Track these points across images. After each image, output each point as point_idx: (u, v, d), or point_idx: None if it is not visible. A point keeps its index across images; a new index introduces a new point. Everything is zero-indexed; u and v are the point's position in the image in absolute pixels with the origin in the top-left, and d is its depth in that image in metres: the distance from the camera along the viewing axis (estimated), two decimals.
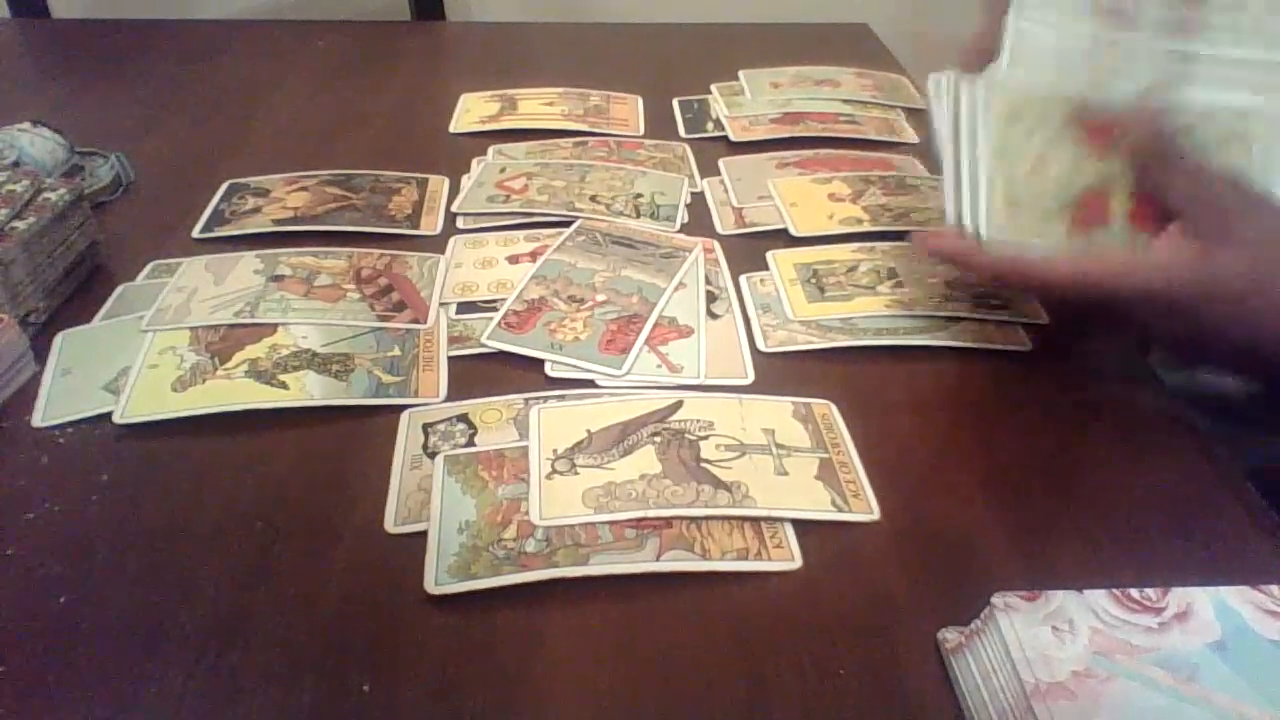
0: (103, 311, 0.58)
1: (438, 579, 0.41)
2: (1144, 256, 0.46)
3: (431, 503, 0.44)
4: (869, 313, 0.58)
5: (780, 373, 0.54)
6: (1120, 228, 0.48)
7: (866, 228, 0.67)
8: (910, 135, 0.83)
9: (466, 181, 0.73)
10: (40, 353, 0.54)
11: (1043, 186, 0.49)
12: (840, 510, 0.45)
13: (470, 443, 0.48)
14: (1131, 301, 0.46)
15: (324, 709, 0.36)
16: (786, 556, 0.43)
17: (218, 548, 0.43)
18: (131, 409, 0.49)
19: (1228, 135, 0.48)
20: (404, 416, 0.50)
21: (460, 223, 0.69)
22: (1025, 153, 0.49)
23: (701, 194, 0.73)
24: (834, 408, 0.51)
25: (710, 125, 0.85)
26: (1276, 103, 0.47)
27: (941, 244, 0.52)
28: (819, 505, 0.45)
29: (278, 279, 0.60)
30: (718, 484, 0.45)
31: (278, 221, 0.67)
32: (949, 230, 0.51)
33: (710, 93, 0.91)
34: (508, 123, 0.84)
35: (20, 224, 0.56)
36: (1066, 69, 0.50)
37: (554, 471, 0.46)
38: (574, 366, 0.53)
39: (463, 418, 0.50)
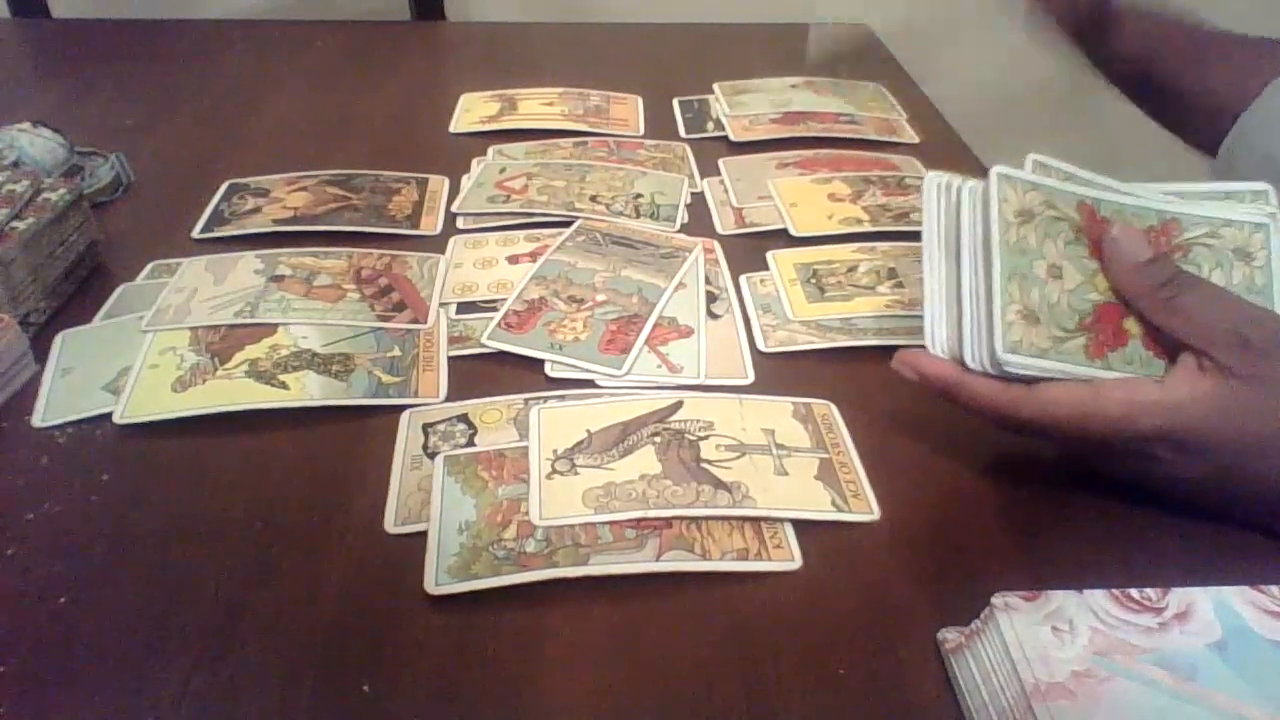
0: (103, 311, 0.58)
1: (438, 579, 0.41)
2: (1157, 394, 0.41)
3: (431, 503, 0.44)
4: (869, 313, 0.58)
5: (780, 373, 0.54)
6: (1137, 350, 0.44)
7: (866, 228, 0.67)
8: (910, 135, 0.84)
9: (466, 181, 0.73)
10: (40, 353, 0.54)
11: (1058, 299, 0.43)
12: (840, 510, 0.45)
13: (470, 443, 0.48)
14: (1143, 444, 0.42)
15: (324, 709, 0.36)
16: (786, 556, 0.43)
17: (218, 548, 0.43)
18: (131, 409, 0.49)
19: (1238, 250, 0.45)
20: (404, 416, 0.50)
21: (460, 223, 0.69)
22: (1040, 259, 0.43)
23: (701, 194, 0.73)
24: (834, 408, 0.51)
25: (710, 125, 0.85)
26: None
27: (930, 370, 0.45)
28: (819, 505, 0.45)
29: (278, 279, 0.60)
30: (718, 484, 0.45)
31: (278, 221, 0.67)
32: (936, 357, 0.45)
33: (712, 92, 0.91)
34: (508, 123, 0.84)
35: (20, 224, 0.56)
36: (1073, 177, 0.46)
37: (554, 471, 0.46)
38: (574, 366, 0.53)
39: (463, 418, 0.50)
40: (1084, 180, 0.46)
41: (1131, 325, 0.44)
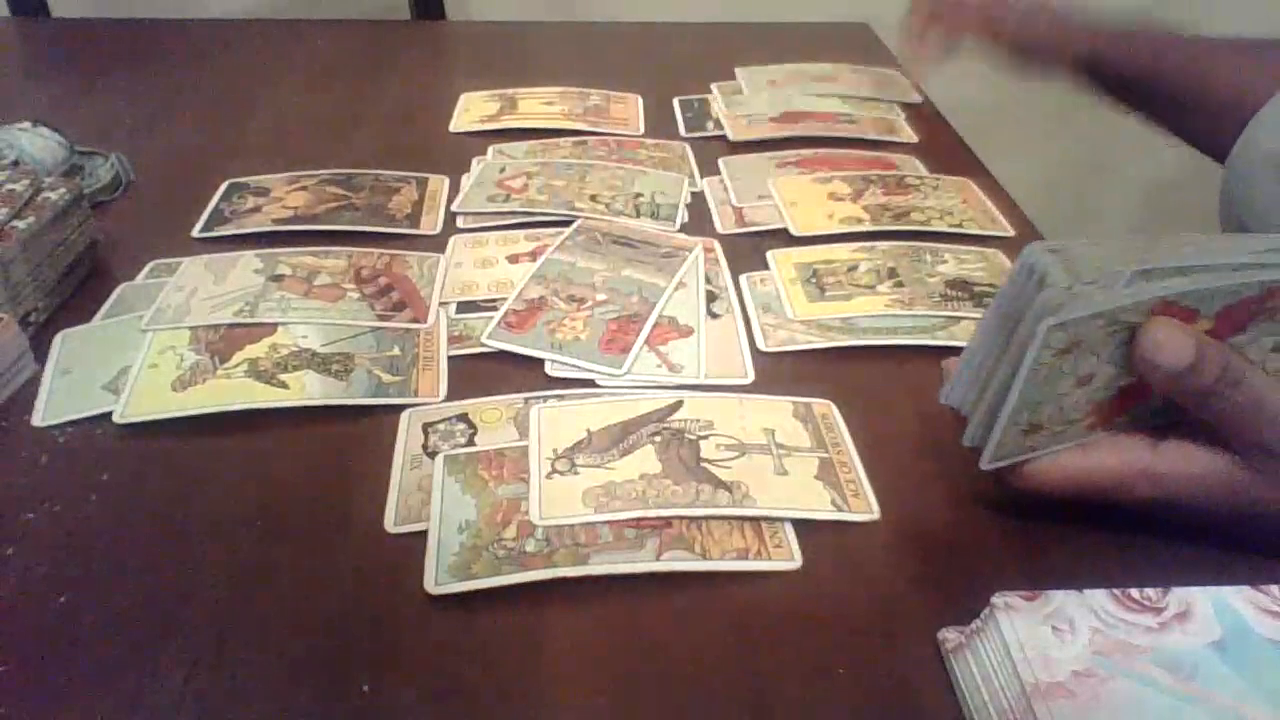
0: (103, 311, 0.58)
1: (438, 579, 0.41)
2: (1172, 461, 0.40)
3: (431, 502, 0.44)
4: (869, 313, 0.58)
5: (780, 372, 0.54)
6: (1155, 403, 0.42)
7: (866, 227, 0.67)
8: (909, 134, 0.84)
9: (466, 181, 0.73)
10: (40, 352, 0.54)
11: (1080, 399, 0.41)
12: (840, 510, 0.45)
13: (470, 442, 0.48)
14: (1155, 501, 0.41)
15: (324, 709, 0.36)
16: (786, 556, 0.43)
17: (218, 548, 0.43)
18: (131, 409, 0.49)
19: None
20: (404, 416, 0.50)
21: (460, 222, 0.69)
22: (1071, 377, 0.40)
23: (701, 193, 0.73)
24: (834, 408, 0.51)
25: (710, 125, 0.85)
26: None
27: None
28: (819, 505, 0.45)
29: (278, 278, 0.60)
30: (718, 484, 0.45)
31: (278, 221, 0.67)
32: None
33: (710, 92, 0.91)
34: (508, 122, 0.84)
35: (20, 224, 0.56)
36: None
37: (554, 471, 0.46)
38: (574, 366, 0.53)
39: (463, 417, 0.50)
40: (1166, 273, 0.39)
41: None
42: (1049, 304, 0.38)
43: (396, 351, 0.54)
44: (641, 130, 0.84)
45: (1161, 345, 0.38)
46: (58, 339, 0.55)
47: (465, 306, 0.59)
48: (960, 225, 0.68)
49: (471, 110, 0.87)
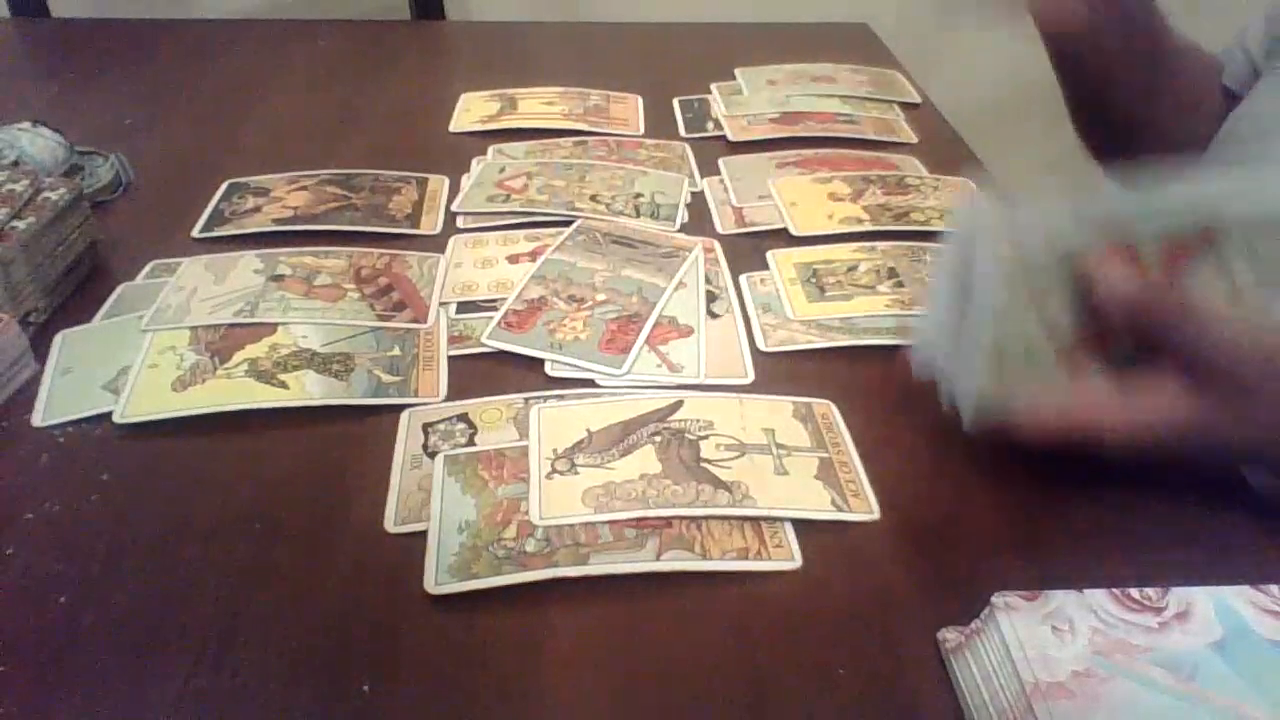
0: (103, 311, 0.58)
1: (438, 579, 0.41)
2: (1143, 405, 0.43)
3: (431, 502, 0.44)
4: (869, 313, 0.58)
5: (780, 372, 0.54)
6: (1125, 346, 0.44)
7: (866, 227, 0.67)
8: (909, 134, 0.83)
9: (466, 181, 0.73)
10: (40, 352, 0.54)
11: (1046, 341, 0.44)
12: (840, 510, 0.45)
13: (470, 442, 0.48)
14: (1119, 446, 0.43)
15: (324, 709, 0.36)
16: (786, 556, 0.43)
17: (218, 548, 0.43)
18: (131, 409, 0.49)
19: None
20: (404, 416, 0.50)
21: (460, 222, 0.69)
22: (1031, 312, 0.43)
23: (701, 194, 0.73)
24: (834, 408, 0.51)
25: (710, 125, 0.85)
26: None
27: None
28: (819, 505, 0.45)
29: (278, 278, 0.60)
30: (718, 484, 0.45)
31: (278, 221, 0.67)
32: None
33: (710, 92, 0.91)
34: (508, 122, 0.84)
35: (20, 224, 0.56)
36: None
37: (554, 471, 0.46)
38: (574, 366, 0.53)
39: (463, 417, 0.50)
40: (1107, 211, 0.44)
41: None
42: (997, 229, 0.42)
43: (396, 351, 0.54)
44: (641, 130, 0.84)
45: (1111, 281, 0.42)
46: (58, 339, 0.55)
47: (465, 306, 0.59)
48: None
49: (471, 110, 0.87)
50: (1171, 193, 0.44)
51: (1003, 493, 0.46)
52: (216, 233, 0.66)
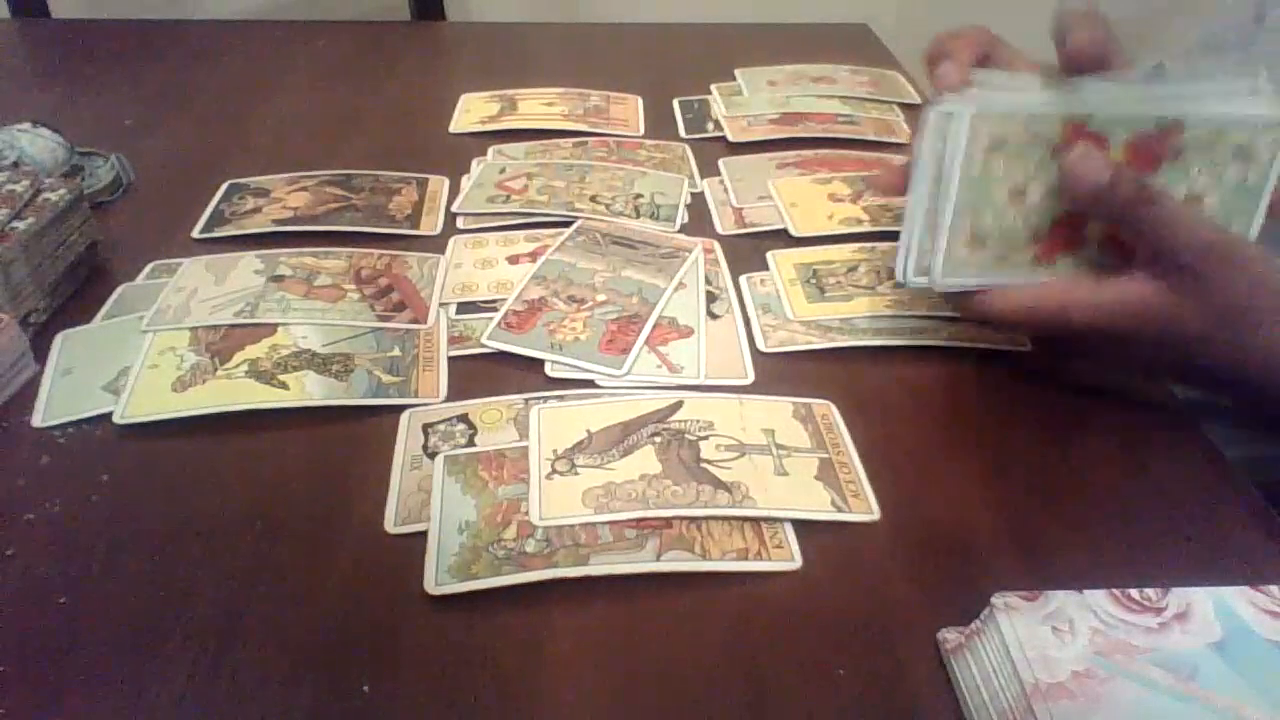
0: (103, 311, 0.58)
1: (438, 579, 0.41)
2: (1107, 292, 0.45)
3: (431, 503, 0.44)
4: (869, 313, 0.58)
5: (780, 373, 0.54)
6: (1095, 251, 0.47)
7: (866, 228, 0.67)
8: (909, 135, 0.83)
9: (466, 182, 0.73)
10: (40, 353, 0.54)
11: (1017, 217, 0.47)
12: (840, 510, 0.45)
13: (470, 443, 0.48)
14: (1090, 334, 0.46)
15: (324, 709, 0.36)
16: (786, 556, 0.43)
17: (218, 548, 0.43)
18: (131, 409, 0.49)
19: (1240, 148, 0.45)
20: (404, 416, 0.50)
21: (460, 223, 0.69)
22: (1004, 183, 0.46)
23: (701, 194, 0.73)
24: (834, 408, 0.51)
25: (710, 125, 0.85)
26: None
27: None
28: (819, 505, 0.45)
29: (278, 279, 0.60)
30: (718, 484, 0.45)
31: (278, 221, 0.67)
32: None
33: (710, 93, 0.91)
34: (508, 123, 0.84)
35: (20, 224, 0.56)
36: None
37: (554, 471, 0.46)
38: (574, 366, 0.53)
39: (463, 418, 0.50)
40: (1072, 94, 0.46)
41: (1094, 229, 0.47)
42: (969, 102, 0.45)
43: (396, 352, 0.54)
44: (641, 131, 0.84)
45: (1082, 162, 0.45)
46: (58, 339, 0.55)
47: (465, 307, 0.59)
48: None
49: (471, 111, 0.87)
50: (1142, 90, 0.46)
51: (1003, 493, 0.46)
52: (217, 233, 0.66)
